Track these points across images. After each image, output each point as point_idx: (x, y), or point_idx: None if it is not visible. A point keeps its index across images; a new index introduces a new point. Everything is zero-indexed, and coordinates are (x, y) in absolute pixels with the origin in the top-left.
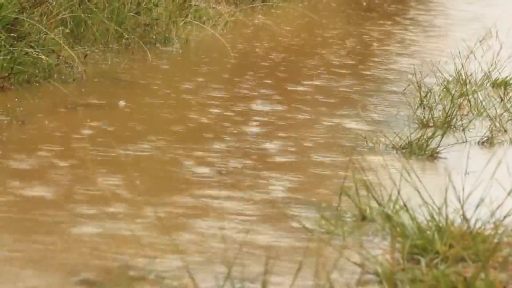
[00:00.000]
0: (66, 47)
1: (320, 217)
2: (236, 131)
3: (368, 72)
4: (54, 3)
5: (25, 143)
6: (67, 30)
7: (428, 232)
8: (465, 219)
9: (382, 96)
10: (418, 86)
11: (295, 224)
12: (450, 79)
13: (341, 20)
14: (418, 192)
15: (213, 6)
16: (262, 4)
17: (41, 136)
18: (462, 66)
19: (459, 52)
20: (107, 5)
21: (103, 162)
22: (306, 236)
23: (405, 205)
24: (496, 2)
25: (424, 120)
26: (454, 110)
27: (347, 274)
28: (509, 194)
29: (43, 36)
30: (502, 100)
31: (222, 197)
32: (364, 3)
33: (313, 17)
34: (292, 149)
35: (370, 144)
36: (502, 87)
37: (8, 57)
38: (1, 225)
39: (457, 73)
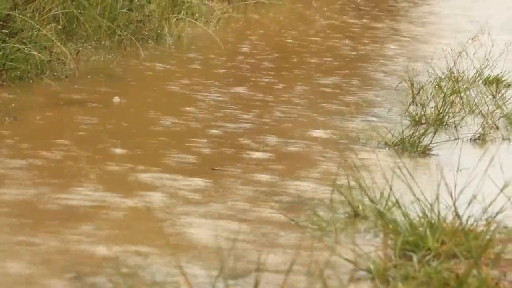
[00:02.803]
0: (59, 44)
1: (313, 214)
2: (227, 127)
3: (359, 69)
4: None
5: (17, 139)
6: (60, 27)
7: (420, 229)
8: (457, 215)
9: (375, 93)
10: (410, 83)
11: (287, 220)
12: (443, 76)
13: (332, 17)
14: (411, 189)
15: (206, 2)
16: (255, 1)
17: (33, 132)
18: (454, 64)
19: (451, 49)
20: (99, 1)
21: (94, 159)
22: (298, 232)
23: (397, 201)
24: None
25: (417, 117)
26: (446, 107)
27: (340, 271)
28: (501, 191)
29: (36, 32)
30: (494, 97)
31: (211, 194)
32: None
33: (304, 14)
34: (285, 145)
35: (363, 141)
36: (494, 84)
37: (0, 54)
38: None
39: (449, 70)
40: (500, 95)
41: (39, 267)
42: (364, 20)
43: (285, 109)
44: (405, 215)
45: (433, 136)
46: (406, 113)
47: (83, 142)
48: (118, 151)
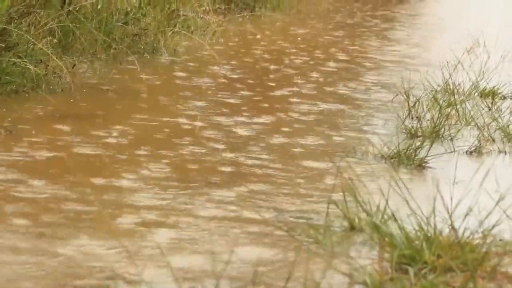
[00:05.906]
0: (54, 57)
1: (309, 227)
2: (224, 140)
3: (354, 82)
4: (42, 13)
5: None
6: (55, 40)
7: (417, 242)
8: (453, 228)
9: (370, 105)
10: (406, 95)
11: (283, 234)
12: (438, 88)
13: (330, 30)
14: (407, 201)
15: (202, 16)
16: (250, 14)
17: (29, 146)
18: (450, 76)
19: (447, 62)
20: (95, 15)
21: (90, 171)
22: (294, 246)
23: (393, 215)
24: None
25: (413, 129)
26: (442, 120)
27: (336, 284)
28: (497, 203)
29: (31, 46)
30: (490, 109)
31: (209, 206)
32: (358, 12)
33: (299, 26)
34: (280, 158)
35: (359, 154)
36: (490, 97)
37: None
38: None
39: (445, 82)
40: (496, 107)
41: None
42: (356, 29)
43: (278, 118)
44: (401, 228)
45: (429, 149)
46: (402, 126)
47: (78, 157)
48: (114, 163)
